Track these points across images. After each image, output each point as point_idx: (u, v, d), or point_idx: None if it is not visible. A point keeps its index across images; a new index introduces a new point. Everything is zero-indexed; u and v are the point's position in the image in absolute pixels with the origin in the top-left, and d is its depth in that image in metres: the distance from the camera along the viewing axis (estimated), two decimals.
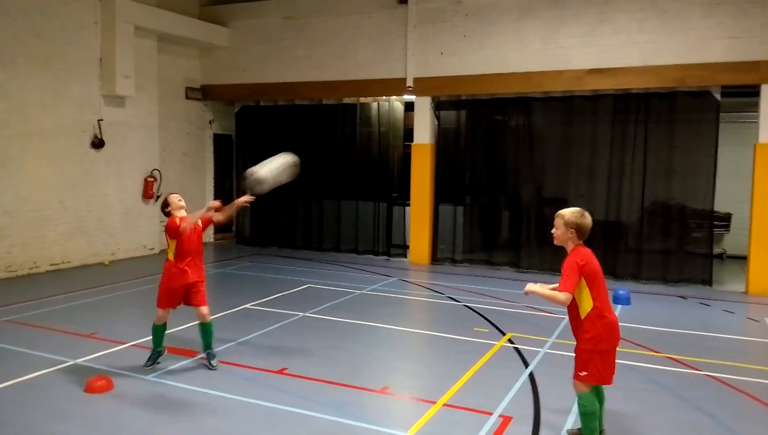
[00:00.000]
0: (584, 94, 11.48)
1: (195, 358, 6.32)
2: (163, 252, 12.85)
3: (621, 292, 9.46)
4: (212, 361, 6.04)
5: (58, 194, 11.21)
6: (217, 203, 6.05)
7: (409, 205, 12.95)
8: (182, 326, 7.16)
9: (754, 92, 10.31)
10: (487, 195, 12.94)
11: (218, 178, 15.27)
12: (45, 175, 10.97)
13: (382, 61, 12.76)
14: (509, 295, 9.80)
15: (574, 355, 4.39)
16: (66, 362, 6.13)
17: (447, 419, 5.04)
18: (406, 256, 13.13)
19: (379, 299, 9.44)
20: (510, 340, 7.24)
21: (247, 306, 8.70)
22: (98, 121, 11.84)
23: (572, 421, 4.93)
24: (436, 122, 12.76)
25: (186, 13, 13.50)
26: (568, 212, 4.39)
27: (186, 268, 5.87)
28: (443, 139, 12.85)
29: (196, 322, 6.11)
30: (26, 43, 10.60)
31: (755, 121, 10.32)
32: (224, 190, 15.43)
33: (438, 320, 8.62)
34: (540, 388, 5.68)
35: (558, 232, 4.41)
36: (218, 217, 6.16)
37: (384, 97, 13.33)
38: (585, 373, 4.29)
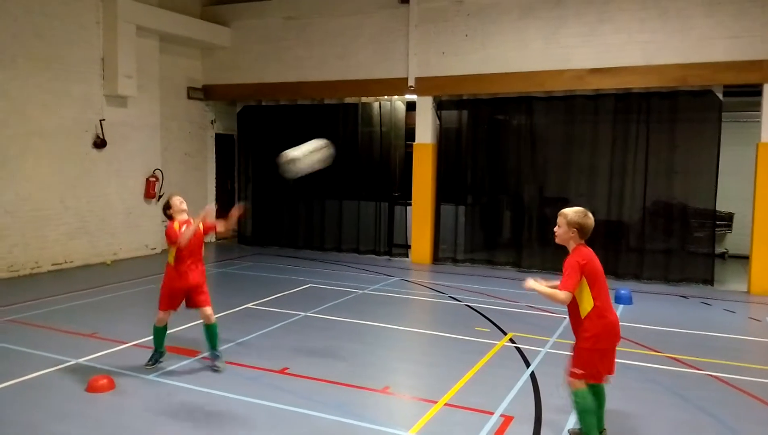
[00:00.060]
0: (586, 94, 11.47)
1: (196, 357, 6.33)
2: (165, 252, 12.89)
3: (623, 291, 9.45)
4: (217, 363, 6.01)
5: (60, 194, 11.23)
6: (210, 209, 6.00)
7: (410, 204, 12.94)
8: (183, 326, 7.17)
9: (756, 91, 10.30)
10: (489, 195, 12.94)
11: (220, 178, 15.28)
12: (46, 174, 10.99)
13: (383, 60, 12.76)
14: (511, 294, 9.80)
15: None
16: (68, 362, 6.14)
17: (448, 419, 5.04)
18: (407, 256, 13.13)
19: (381, 299, 9.44)
20: (511, 340, 7.24)
21: (249, 306, 8.71)
22: (100, 120, 11.86)
23: (574, 420, 4.91)
24: (438, 122, 12.76)
25: (187, 13, 13.51)
26: (571, 211, 4.39)
27: (186, 271, 5.85)
28: (445, 139, 12.86)
29: (197, 322, 6.13)
30: (27, 43, 10.61)
31: (758, 121, 10.31)
32: (226, 190, 15.46)
33: (439, 320, 8.62)
34: (541, 388, 5.68)
35: (560, 230, 4.41)
36: (219, 227, 6.10)
37: (386, 97, 13.33)
38: (581, 371, 4.29)
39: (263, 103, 14.59)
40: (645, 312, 8.83)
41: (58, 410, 5.05)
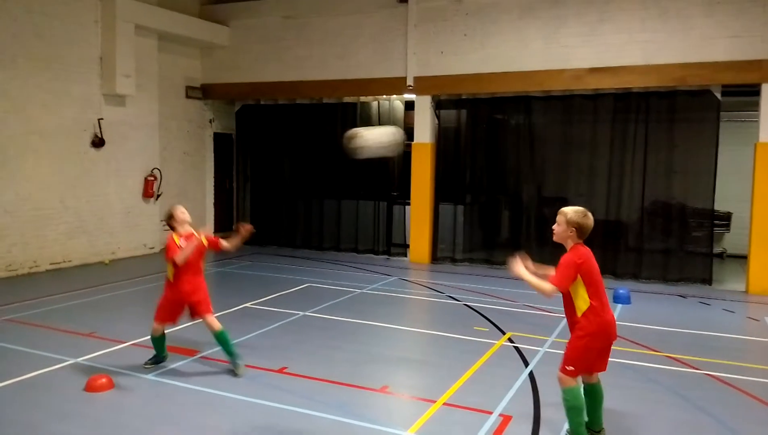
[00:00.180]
0: (585, 94, 11.47)
1: (195, 357, 6.33)
2: (163, 251, 12.88)
3: (621, 291, 9.46)
4: (236, 370, 5.84)
5: (59, 193, 11.21)
6: (206, 232, 5.93)
7: (409, 204, 12.95)
8: (182, 326, 7.15)
9: (754, 91, 10.31)
10: (488, 194, 12.94)
11: (218, 177, 15.26)
12: (45, 174, 10.97)
13: (382, 60, 12.76)
14: (509, 294, 9.80)
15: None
16: (66, 361, 6.13)
17: (447, 418, 5.04)
18: (406, 256, 13.13)
19: (379, 298, 9.44)
20: (510, 340, 7.25)
21: (247, 305, 8.70)
22: (99, 120, 11.84)
23: None
24: (437, 121, 12.76)
25: (186, 12, 13.49)
26: (571, 211, 4.39)
27: (184, 285, 5.77)
28: (443, 139, 12.85)
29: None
30: (26, 42, 10.60)
31: (756, 120, 10.32)
32: (224, 190, 15.44)
33: (438, 319, 8.62)
34: (540, 388, 5.69)
35: (559, 229, 4.40)
36: (225, 245, 6.00)
37: (384, 97, 13.34)
38: (572, 368, 4.30)
39: (262, 103, 14.59)
40: (643, 312, 8.84)
41: (57, 410, 5.05)
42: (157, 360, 6.05)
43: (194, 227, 5.97)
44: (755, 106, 10.37)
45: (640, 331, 7.67)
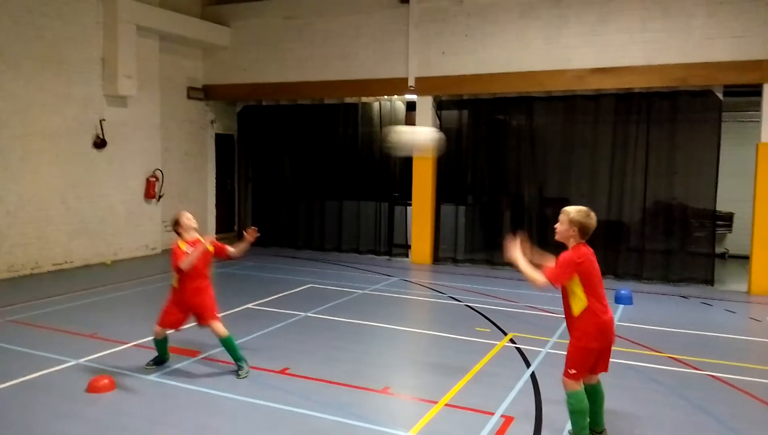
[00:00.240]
0: (586, 94, 11.47)
1: (197, 358, 6.33)
2: (165, 252, 12.90)
3: (623, 291, 9.45)
4: (239, 372, 5.83)
5: (60, 194, 11.23)
6: (211, 240, 5.88)
7: (410, 204, 12.94)
8: (183, 326, 7.15)
9: (756, 91, 10.30)
10: (489, 195, 12.92)
11: (220, 178, 15.28)
12: (47, 175, 10.99)
13: (383, 60, 12.76)
14: (511, 294, 9.80)
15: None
16: (68, 362, 6.14)
17: (449, 419, 5.04)
18: (407, 256, 13.13)
19: (381, 299, 9.44)
20: (512, 340, 7.24)
21: (249, 306, 8.71)
22: (100, 121, 11.86)
23: None
24: (438, 122, 12.76)
25: (188, 13, 13.50)
26: (574, 210, 4.37)
27: (190, 294, 5.77)
28: (445, 139, 12.83)
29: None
30: (28, 43, 10.61)
31: (758, 121, 10.31)
32: (226, 190, 15.46)
33: (439, 320, 8.62)
34: (542, 388, 5.68)
35: (561, 227, 4.39)
36: (232, 251, 6.01)
37: (386, 97, 13.34)
38: (574, 371, 4.30)
39: (263, 103, 14.60)
40: (645, 312, 8.82)
41: (58, 411, 5.05)
42: (159, 361, 6.05)
43: (200, 233, 5.97)
44: (757, 107, 10.36)
45: (641, 332, 7.65)
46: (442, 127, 12.78)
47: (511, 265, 4.38)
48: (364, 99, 13.55)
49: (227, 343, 5.86)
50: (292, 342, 7.05)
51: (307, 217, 14.27)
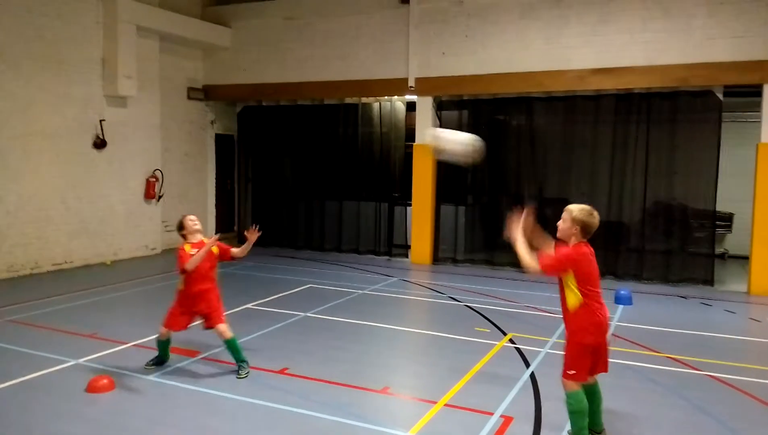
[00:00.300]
0: (586, 94, 11.47)
1: (197, 358, 6.33)
2: (165, 252, 12.91)
3: (622, 292, 9.44)
4: (240, 372, 5.84)
5: (60, 194, 11.23)
6: (216, 239, 5.90)
7: (410, 205, 12.94)
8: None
9: (756, 92, 10.30)
10: (489, 195, 12.92)
11: (220, 178, 15.28)
12: (47, 175, 10.99)
13: (383, 61, 12.77)
14: (510, 295, 9.80)
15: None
16: (68, 362, 6.14)
17: (448, 419, 5.04)
18: (407, 256, 13.13)
19: (381, 299, 9.45)
20: (511, 340, 7.24)
21: (249, 306, 8.71)
22: (100, 121, 11.86)
23: None
24: (438, 122, 12.76)
25: (188, 14, 13.51)
26: (577, 208, 4.37)
27: (196, 298, 5.78)
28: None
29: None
30: (28, 43, 10.61)
31: (758, 121, 10.31)
32: (226, 191, 15.46)
33: (439, 320, 8.62)
34: (541, 389, 5.69)
35: (564, 225, 4.38)
36: (236, 252, 6.01)
37: (386, 97, 13.34)
38: (573, 371, 4.30)
39: (263, 104, 14.61)
40: (645, 312, 8.82)
41: (58, 411, 5.05)
42: (159, 361, 6.05)
43: (205, 236, 5.97)
44: (757, 107, 10.36)
45: (641, 332, 7.65)
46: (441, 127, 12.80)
47: (510, 246, 4.36)
48: (364, 99, 13.56)
49: (231, 345, 5.87)
50: (292, 342, 7.05)
51: (307, 218, 14.27)
